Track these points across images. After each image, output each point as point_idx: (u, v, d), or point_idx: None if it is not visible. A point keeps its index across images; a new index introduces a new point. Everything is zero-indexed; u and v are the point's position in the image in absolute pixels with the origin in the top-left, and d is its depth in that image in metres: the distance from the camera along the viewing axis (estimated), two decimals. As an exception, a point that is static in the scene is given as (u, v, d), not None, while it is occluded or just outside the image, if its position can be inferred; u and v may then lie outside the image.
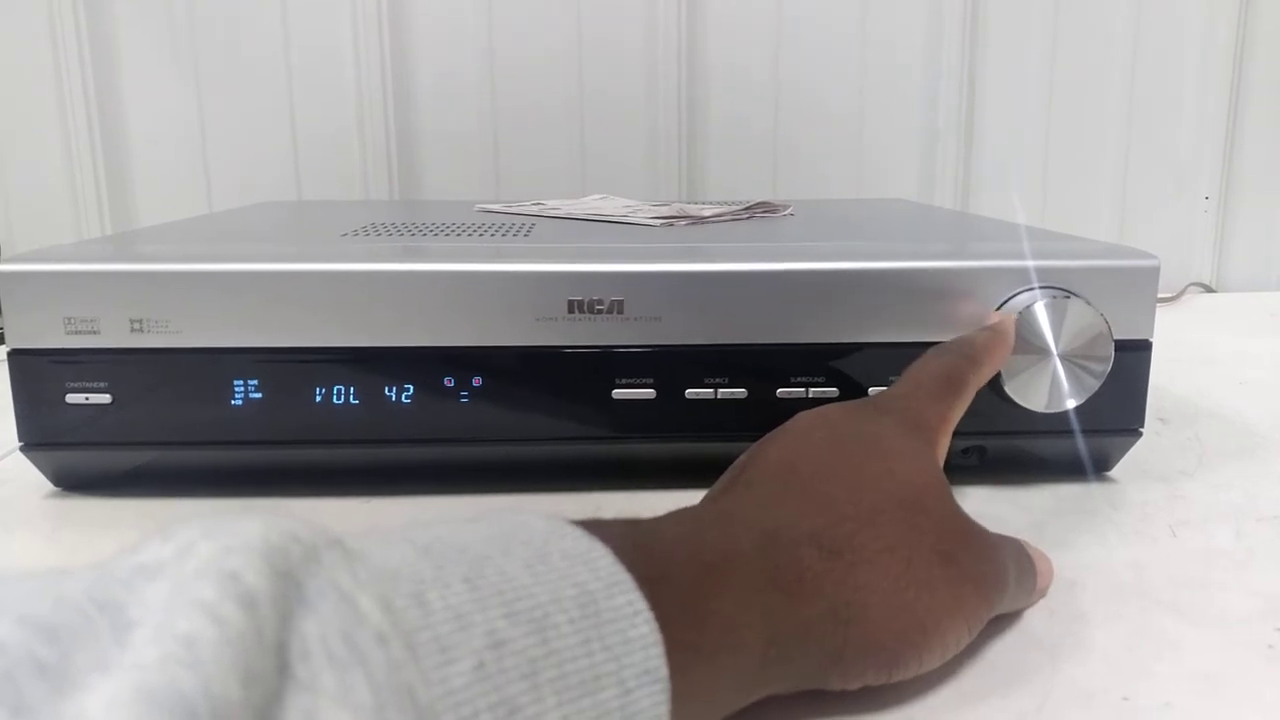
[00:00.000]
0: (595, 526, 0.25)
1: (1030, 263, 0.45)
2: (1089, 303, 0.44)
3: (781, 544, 0.28)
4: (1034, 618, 0.35)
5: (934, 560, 0.30)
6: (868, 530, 0.29)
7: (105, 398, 0.44)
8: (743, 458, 0.34)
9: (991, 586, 0.32)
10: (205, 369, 0.44)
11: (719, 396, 0.45)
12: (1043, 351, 0.44)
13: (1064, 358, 0.44)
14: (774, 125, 1.01)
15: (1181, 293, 0.99)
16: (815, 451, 0.32)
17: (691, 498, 0.42)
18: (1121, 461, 0.49)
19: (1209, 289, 1.04)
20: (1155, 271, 0.46)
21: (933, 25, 1.00)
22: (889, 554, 0.29)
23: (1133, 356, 0.46)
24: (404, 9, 0.96)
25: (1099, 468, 0.49)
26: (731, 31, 0.99)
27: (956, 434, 0.46)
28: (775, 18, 0.99)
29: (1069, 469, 0.49)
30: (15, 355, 0.44)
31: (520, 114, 1.00)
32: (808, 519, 0.29)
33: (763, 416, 0.44)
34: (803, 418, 0.35)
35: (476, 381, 0.45)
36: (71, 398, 0.44)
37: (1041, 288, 0.45)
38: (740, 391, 0.45)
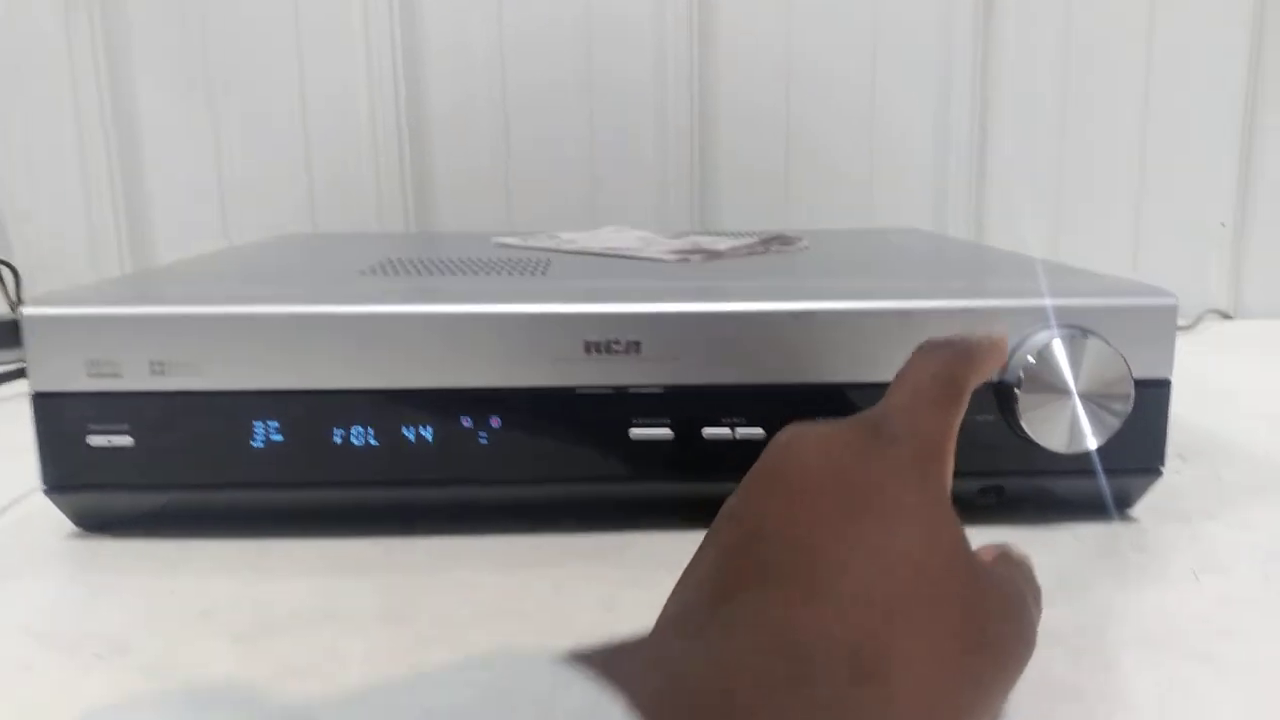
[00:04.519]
0: (613, 663, 0.22)
1: (1047, 301, 0.45)
2: (1108, 342, 0.44)
3: (819, 672, 0.25)
4: (1059, 665, 0.35)
5: (965, 656, 0.27)
6: (903, 639, 0.26)
7: (127, 440, 0.44)
8: (738, 509, 0.31)
9: (1019, 652, 0.30)
10: (226, 411, 0.44)
11: (737, 436, 0.45)
12: (1062, 391, 0.44)
13: (1084, 397, 0.44)
14: (784, 157, 1.02)
15: (1198, 320, 0.99)
16: (831, 523, 0.28)
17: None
18: (1141, 500, 0.49)
19: (1226, 316, 1.04)
20: (1173, 310, 0.46)
21: (942, 51, 1.01)
22: (922, 664, 0.26)
23: (1152, 395, 0.46)
24: (417, 44, 0.97)
25: (1119, 507, 0.49)
26: (741, 69, 1.00)
27: (974, 474, 0.46)
28: (785, 55, 1.00)
29: (1088, 508, 0.48)
30: (39, 398, 0.44)
31: (533, 144, 1.00)
32: (841, 630, 0.26)
33: (781, 457, 0.45)
34: (802, 456, 0.31)
35: (495, 422, 0.45)
36: (93, 440, 0.44)
37: (1059, 326, 0.44)
38: (758, 431, 0.45)
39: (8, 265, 0.93)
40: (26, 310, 0.44)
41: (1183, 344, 0.47)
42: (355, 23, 0.97)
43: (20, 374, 0.78)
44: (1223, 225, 1.04)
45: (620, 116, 1.00)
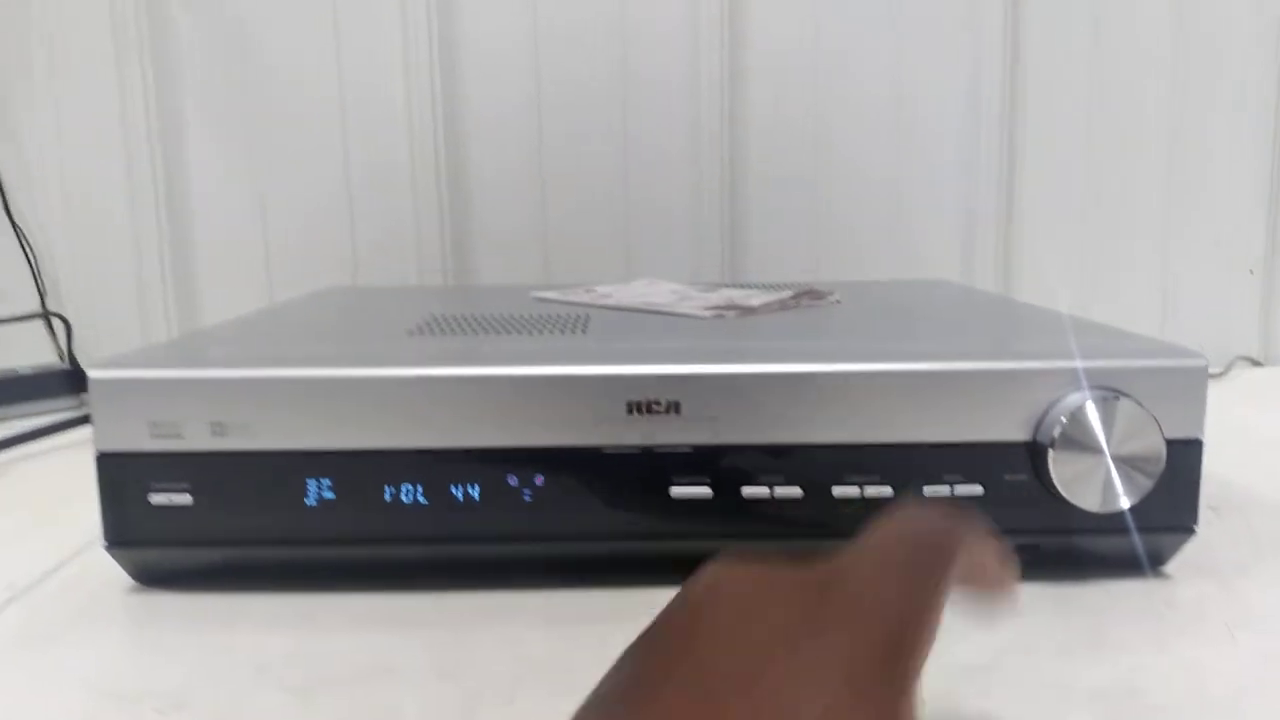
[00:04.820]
0: None
1: (1079, 363, 0.46)
2: (1140, 403, 0.45)
3: None
4: (1094, 726, 0.36)
5: None
6: None
7: (186, 498, 0.46)
8: (641, 673, 0.23)
9: None
10: (281, 470, 0.46)
11: (775, 495, 0.47)
12: (1095, 452, 0.45)
13: (1116, 458, 0.45)
14: (813, 203, 1.04)
15: (1229, 368, 0.99)
16: None
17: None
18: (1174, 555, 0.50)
19: (1256, 363, 1.04)
20: (1204, 371, 0.47)
21: (971, 98, 1.02)
22: None
23: (1184, 455, 0.46)
24: (456, 102, 1.00)
25: (1152, 564, 0.49)
26: (771, 78, 1.02)
27: (1009, 532, 0.47)
28: (813, 61, 1.02)
29: (1121, 564, 0.49)
30: (103, 458, 0.46)
31: (566, 140, 1.03)
32: None
33: (818, 514, 0.46)
34: (716, 617, 0.23)
35: (539, 480, 0.47)
36: (155, 498, 0.46)
37: (1091, 388, 0.45)
38: (795, 490, 0.46)
39: (60, 318, 0.96)
40: (93, 373, 0.46)
41: (1213, 392, 0.47)
42: (394, 36, 1.00)
43: (72, 423, 0.80)
44: (1251, 273, 1.04)
45: (652, 120, 1.02)
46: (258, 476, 0.46)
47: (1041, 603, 0.46)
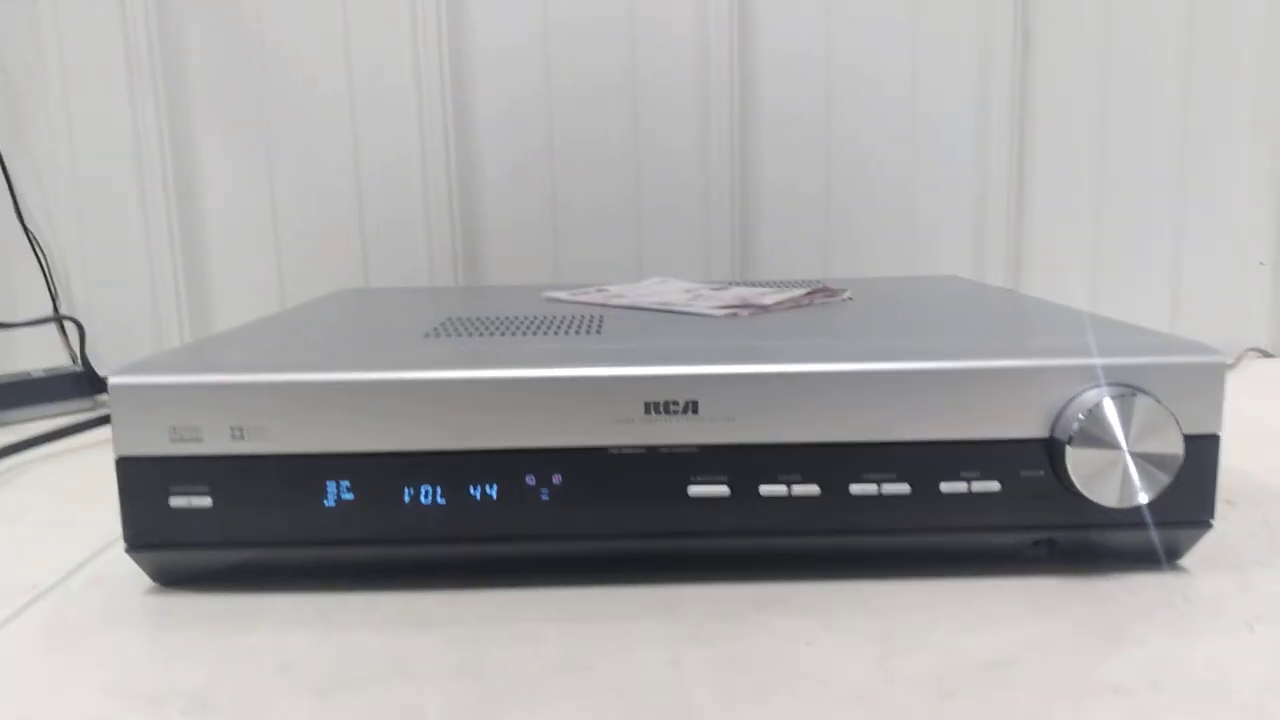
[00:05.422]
0: None
1: (1097, 360, 0.46)
2: (1158, 400, 0.45)
3: None
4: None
5: None
6: None
7: (206, 501, 0.46)
8: None
9: None
10: (300, 473, 0.46)
11: (793, 493, 0.47)
12: (1113, 448, 0.45)
13: (1134, 454, 0.45)
14: (826, 199, 1.04)
15: (1240, 359, 0.99)
16: None
17: (767, 591, 0.43)
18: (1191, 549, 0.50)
19: (1267, 354, 1.04)
20: (1222, 367, 0.47)
21: (981, 94, 1.02)
22: None
23: (1201, 450, 0.46)
24: (467, 107, 1.01)
25: (1169, 557, 0.49)
26: (782, 82, 1.02)
27: (1026, 527, 0.47)
28: (825, 64, 1.02)
29: (1139, 558, 0.49)
30: (123, 462, 0.46)
31: (577, 146, 1.03)
32: None
33: (836, 513, 0.46)
34: None
35: (556, 480, 0.47)
36: (175, 502, 0.46)
37: (1109, 385, 0.46)
38: (813, 488, 0.47)
39: (73, 320, 0.96)
40: (113, 379, 0.46)
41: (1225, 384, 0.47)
42: (404, 36, 1.00)
43: (88, 425, 0.81)
44: (1261, 264, 1.04)
45: (665, 194, 1.03)
46: (277, 479, 0.46)
47: (1060, 597, 0.46)
